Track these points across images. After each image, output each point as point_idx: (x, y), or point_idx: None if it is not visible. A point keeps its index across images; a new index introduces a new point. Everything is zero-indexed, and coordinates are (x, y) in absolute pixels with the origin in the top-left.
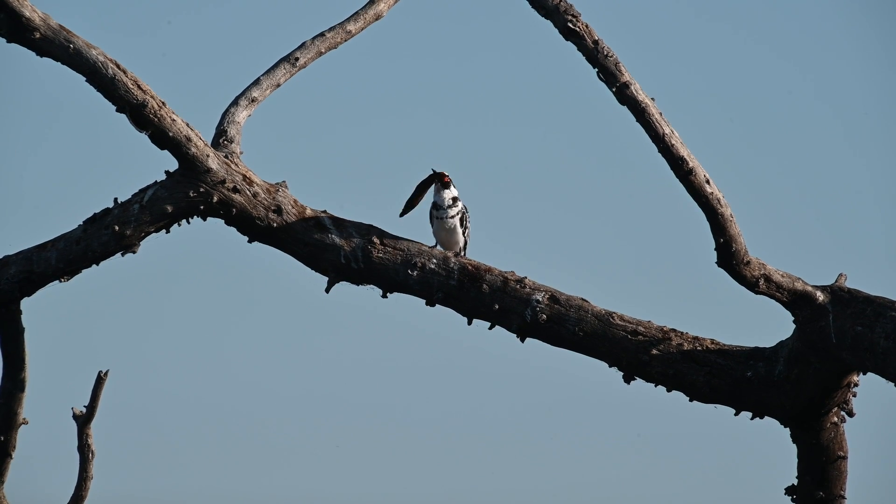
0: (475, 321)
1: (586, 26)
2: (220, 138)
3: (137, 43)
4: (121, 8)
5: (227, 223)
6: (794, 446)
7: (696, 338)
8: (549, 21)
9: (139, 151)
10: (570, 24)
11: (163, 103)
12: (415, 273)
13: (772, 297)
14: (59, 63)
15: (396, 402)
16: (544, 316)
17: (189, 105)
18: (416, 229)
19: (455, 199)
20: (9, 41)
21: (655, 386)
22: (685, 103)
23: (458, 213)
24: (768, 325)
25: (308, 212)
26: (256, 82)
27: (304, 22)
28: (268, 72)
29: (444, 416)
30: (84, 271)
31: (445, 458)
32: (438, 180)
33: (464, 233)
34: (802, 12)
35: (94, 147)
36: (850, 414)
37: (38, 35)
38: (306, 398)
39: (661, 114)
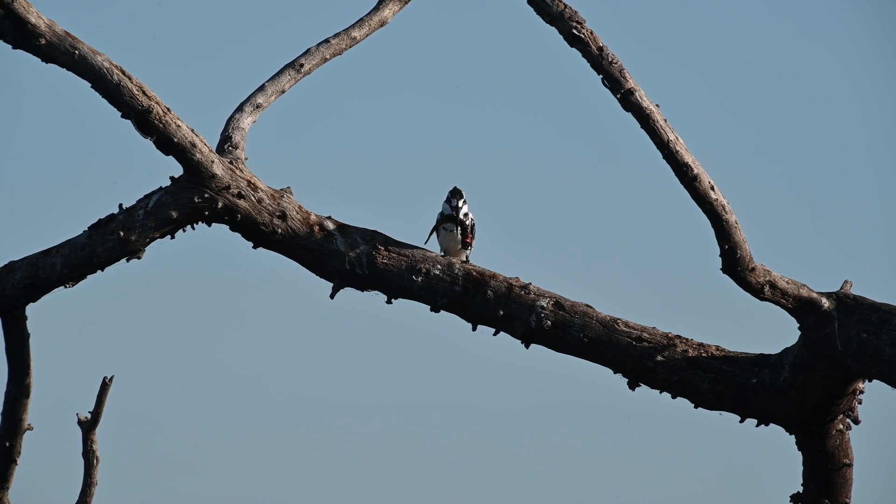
0: (480, 327)
1: (591, 33)
2: (225, 144)
3: (141, 47)
4: (123, 12)
5: (232, 229)
6: (800, 454)
7: (701, 344)
8: (553, 27)
9: (144, 157)
10: (574, 31)
11: (168, 109)
12: (419, 279)
13: (777, 303)
14: (64, 69)
15: (400, 408)
16: (549, 322)
17: (194, 111)
18: (422, 236)
19: (466, 214)
20: (14, 47)
21: (660, 392)
22: (689, 109)
23: (462, 232)
24: (773, 332)
25: (313, 217)
26: (261, 88)
27: (309, 28)
28: (273, 78)
29: (447, 421)
30: (89, 277)
31: (449, 463)
32: (452, 196)
33: (471, 244)
34: (807, 20)
35: (99, 153)
36: (856, 421)
37: (43, 41)
38: (310, 404)
39: (665, 120)
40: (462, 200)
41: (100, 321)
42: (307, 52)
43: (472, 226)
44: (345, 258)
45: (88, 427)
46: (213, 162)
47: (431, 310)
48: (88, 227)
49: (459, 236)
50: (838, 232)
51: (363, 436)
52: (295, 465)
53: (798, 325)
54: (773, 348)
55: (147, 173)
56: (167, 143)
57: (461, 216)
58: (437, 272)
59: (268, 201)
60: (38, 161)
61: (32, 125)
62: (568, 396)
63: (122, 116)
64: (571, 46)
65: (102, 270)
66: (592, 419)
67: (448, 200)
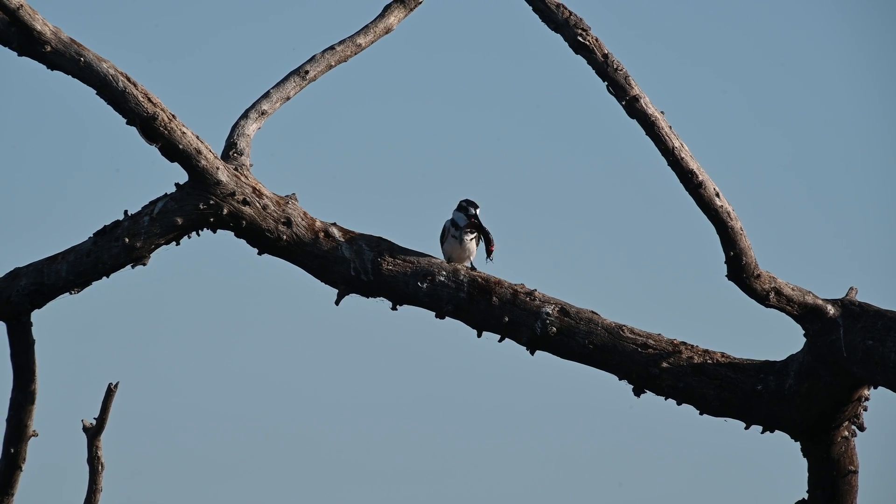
0: (485, 334)
1: (596, 40)
2: (230, 151)
3: (146, 55)
4: (131, 20)
5: (237, 235)
6: (805, 460)
7: (706, 351)
8: (559, 34)
9: (149, 164)
10: (579, 38)
11: (173, 116)
12: (424, 285)
13: (782, 310)
14: (69, 76)
15: (405, 415)
16: (554, 329)
17: (199, 118)
18: (427, 243)
19: (484, 228)
20: (20, 54)
21: (665, 399)
22: (695, 116)
23: (475, 237)
24: (779, 339)
25: (317, 224)
26: (266, 95)
27: (315, 35)
28: (278, 84)
29: (453, 428)
30: (94, 283)
31: (454, 470)
32: (469, 207)
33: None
34: (818, 26)
35: (105, 159)
36: (861, 428)
37: (49, 48)
38: (315, 409)
39: (670, 127)
40: (478, 210)
41: (105, 328)
42: (312, 58)
43: (491, 238)
44: (350, 264)
45: (93, 433)
46: (218, 168)
47: (437, 316)
48: (94, 234)
49: (473, 244)
50: (844, 239)
51: (368, 442)
52: (299, 471)
53: (803, 331)
54: (779, 355)
55: (152, 180)
56: (172, 149)
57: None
58: (442, 279)
59: (273, 208)
60: (42, 167)
61: (37, 132)
62: (573, 403)
63: (128, 123)
64: (577, 53)
65: (108, 277)
66: (598, 426)
67: (463, 210)
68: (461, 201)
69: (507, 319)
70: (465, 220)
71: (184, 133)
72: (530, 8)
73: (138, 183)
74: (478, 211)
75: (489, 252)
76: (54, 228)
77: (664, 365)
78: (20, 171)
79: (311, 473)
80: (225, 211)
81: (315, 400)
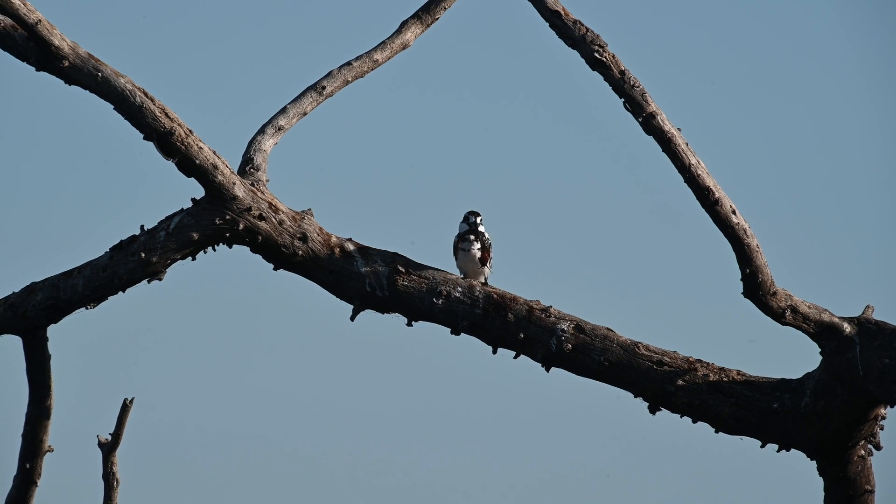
0: (500, 350)
1: (613, 56)
2: (247, 166)
3: (163, 71)
4: (146, 34)
5: (253, 251)
6: (821, 479)
7: (722, 368)
8: (575, 51)
9: (166, 179)
10: (596, 55)
11: (190, 131)
12: (440, 301)
13: (798, 328)
14: (87, 91)
15: (419, 429)
16: (569, 345)
17: (216, 133)
18: (442, 258)
19: (481, 233)
20: (38, 69)
21: (681, 417)
22: (712, 132)
23: (482, 247)
24: (795, 357)
25: (333, 240)
26: (283, 111)
27: (331, 51)
28: (294, 100)
29: (466, 442)
30: (110, 298)
31: (467, 484)
32: (470, 216)
33: (488, 263)
34: (835, 46)
35: (121, 174)
36: (878, 447)
37: (66, 63)
38: (331, 425)
39: (687, 144)
40: (479, 218)
41: (121, 343)
42: (329, 74)
43: (489, 245)
44: (365, 280)
45: (109, 449)
46: (234, 184)
47: (452, 332)
48: (110, 249)
49: (478, 252)
50: (861, 256)
51: (382, 458)
52: (312, 487)
53: (819, 350)
54: (795, 373)
55: (168, 195)
56: (189, 164)
57: (479, 230)
58: (457, 295)
59: (289, 223)
60: (59, 182)
61: (54, 146)
62: (587, 420)
63: (145, 138)
64: (593, 70)
65: (124, 292)
66: (612, 443)
67: (465, 219)
68: (466, 212)
69: (522, 336)
70: (465, 228)
71: (200, 148)
72: (547, 24)
73: (155, 198)
74: (479, 219)
75: (485, 260)
76: (70, 242)
77: (679, 382)
78: (34, 185)
79: (325, 488)
80: (241, 226)
81: (331, 416)
